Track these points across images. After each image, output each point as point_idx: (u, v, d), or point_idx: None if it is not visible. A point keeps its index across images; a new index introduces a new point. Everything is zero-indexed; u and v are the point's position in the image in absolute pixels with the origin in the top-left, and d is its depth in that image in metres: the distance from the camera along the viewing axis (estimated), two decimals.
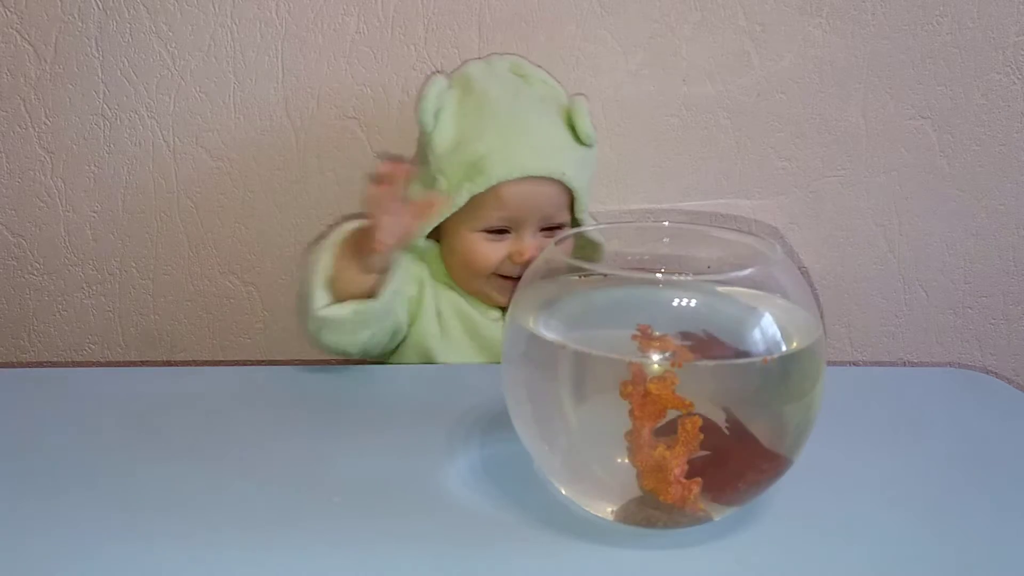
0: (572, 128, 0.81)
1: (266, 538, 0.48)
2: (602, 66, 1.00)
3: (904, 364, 1.13)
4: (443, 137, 0.79)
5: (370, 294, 0.72)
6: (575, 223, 0.84)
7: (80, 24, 0.97)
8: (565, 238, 0.66)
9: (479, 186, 0.77)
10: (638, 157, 1.03)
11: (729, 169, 1.04)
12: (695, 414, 0.43)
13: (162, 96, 0.99)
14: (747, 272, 0.46)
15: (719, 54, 1.01)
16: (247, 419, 0.64)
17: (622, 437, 0.44)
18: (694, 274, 0.52)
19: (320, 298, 0.72)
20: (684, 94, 1.02)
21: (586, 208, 0.83)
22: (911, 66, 1.02)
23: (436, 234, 0.84)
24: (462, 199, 0.78)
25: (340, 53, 0.99)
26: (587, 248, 0.79)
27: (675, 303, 0.48)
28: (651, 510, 0.46)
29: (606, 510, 0.48)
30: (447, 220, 0.80)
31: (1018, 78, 1.02)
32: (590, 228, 0.77)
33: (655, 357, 0.44)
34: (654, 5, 0.99)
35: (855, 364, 1.12)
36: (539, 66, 0.89)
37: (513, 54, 0.92)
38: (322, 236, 0.78)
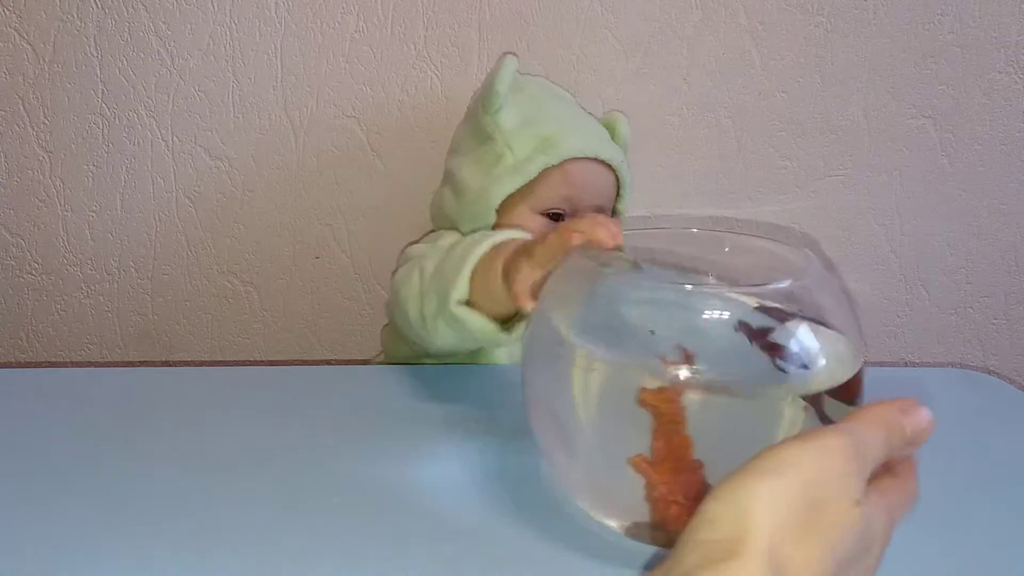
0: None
1: (264, 538, 0.48)
2: (602, 65, 1.00)
3: (905, 364, 1.12)
4: (509, 114, 0.81)
5: (502, 316, 0.65)
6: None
7: (79, 23, 0.97)
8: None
9: (552, 158, 0.79)
10: (639, 157, 1.02)
11: (730, 169, 1.04)
12: (686, 434, 0.41)
13: (161, 95, 0.99)
14: (785, 285, 0.44)
15: (720, 53, 1.00)
16: (246, 419, 0.64)
17: (642, 450, 0.43)
18: (730, 284, 0.51)
19: (461, 291, 0.64)
20: (685, 93, 1.02)
21: (627, 208, 0.89)
22: (913, 65, 1.01)
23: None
24: (534, 169, 0.79)
25: (339, 52, 0.98)
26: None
27: (706, 316, 0.45)
28: (654, 529, 0.45)
29: (616, 524, 0.47)
30: (508, 201, 0.80)
31: (1020, 77, 1.02)
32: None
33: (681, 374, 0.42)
34: (655, 4, 0.99)
35: None
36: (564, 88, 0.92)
37: (541, 76, 0.94)
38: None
